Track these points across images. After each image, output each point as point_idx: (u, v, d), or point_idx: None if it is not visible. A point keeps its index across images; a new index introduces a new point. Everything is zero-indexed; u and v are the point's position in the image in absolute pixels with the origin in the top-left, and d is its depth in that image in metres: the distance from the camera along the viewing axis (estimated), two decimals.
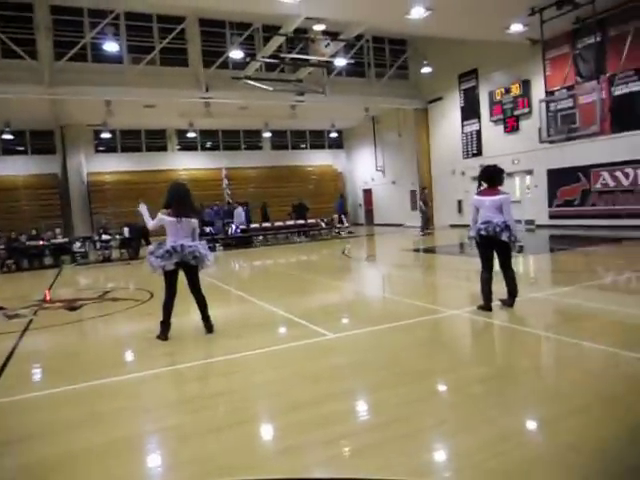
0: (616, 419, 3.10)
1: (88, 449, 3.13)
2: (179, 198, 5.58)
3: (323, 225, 21.60)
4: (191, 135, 24.50)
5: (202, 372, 4.69)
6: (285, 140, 27.60)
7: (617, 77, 14.96)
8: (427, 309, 6.50)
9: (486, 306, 5.85)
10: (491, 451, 2.75)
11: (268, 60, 18.03)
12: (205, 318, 5.70)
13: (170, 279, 5.48)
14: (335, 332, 5.50)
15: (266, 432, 3.37)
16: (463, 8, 14.22)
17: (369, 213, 28.15)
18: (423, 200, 20.25)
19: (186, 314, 6.28)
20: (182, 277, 5.64)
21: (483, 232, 5.69)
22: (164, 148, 24.94)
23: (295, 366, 4.53)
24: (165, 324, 5.53)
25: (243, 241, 19.18)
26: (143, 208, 5.74)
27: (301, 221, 21.08)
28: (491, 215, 5.69)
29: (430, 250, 14.89)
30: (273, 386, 4.07)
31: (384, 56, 22.82)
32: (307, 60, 17.90)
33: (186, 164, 24.79)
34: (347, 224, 22.92)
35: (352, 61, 20.93)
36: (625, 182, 15.24)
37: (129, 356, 5.42)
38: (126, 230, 16.33)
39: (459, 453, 2.82)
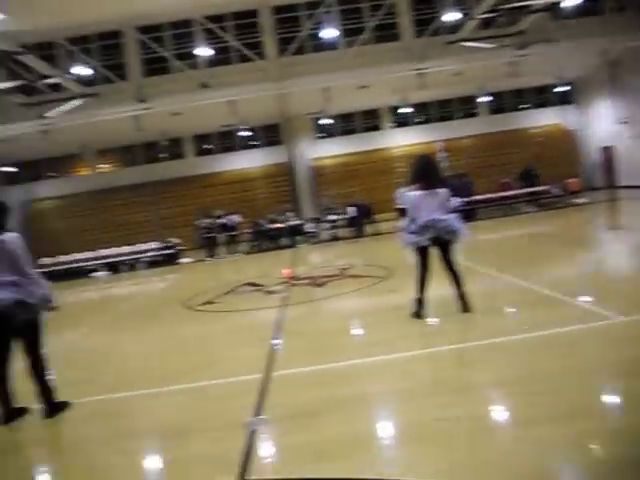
0: None
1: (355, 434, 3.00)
2: (426, 170, 5.29)
3: (555, 192, 19.29)
4: (404, 110, 24.23)
5: (465, 357, 4.28)
6: (503, 103, 25.39)
7: None
8: None
9: None
10: None
11: (485, 16, 16.62)
12: (461, 296, 5.28)
13: (423, 255, 5.21)
14: (621, 314, 4.53)
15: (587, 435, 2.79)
16: None
17: (610, 175, 24.28)
18: None
19: (439, 291, 5.94)
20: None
21: None
22: (377, 127, 25.24)
23: (578, 357, 3.80)
24: (420, 302, 5.29)
25: (465, 215, 18.25)
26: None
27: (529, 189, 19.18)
28: None
29: None
30: (554, 381, 3.40)
31: None
32: (529, 7, 15.96)
33: (400, 141, 24.67)
34: None
35: None
36: None
37: (383, 335, 5.26)
38: (351, 209, 16.91)
39: None
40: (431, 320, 5.26)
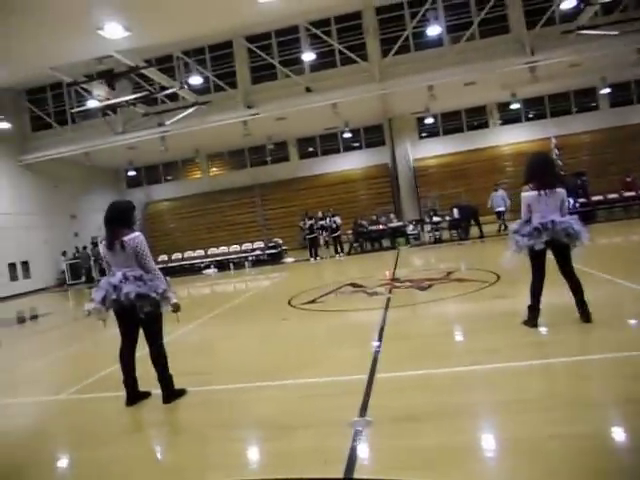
0: None
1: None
2: (541, 168, 4.93)
3: None
4: (514, 106, 23.03)
5: (584, 370, 3.92)
6: (629, 94, 23.20)
7: None
8: None
9: None
10: None
11: (606, 0, 15.29)
12: (580, 304, 4.88)
13: (538, 259, 4.88)
14: None
15: None
16: None
17: None
18: None
19: (554, 298, 5.56)
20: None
21: None
22: (484, 125, 24.24)
23: None
24: (534, 309, 4.96)
25: (583, 216, 16.89)
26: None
27: None
28: None
29: None
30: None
31: None
32: None
33: (509, 138, 23.52)
34: None
35: None
36: None
37: (493, 342, 4.97)
38: (455, 211, 16.40)
39: None
40: (545, 329, 4.92)
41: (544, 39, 16.92)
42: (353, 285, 9.39)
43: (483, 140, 23.74)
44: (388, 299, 7.67)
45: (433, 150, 24.11)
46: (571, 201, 17.02)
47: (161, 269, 4.50)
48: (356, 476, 2.69)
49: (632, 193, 17.75)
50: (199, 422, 3.82)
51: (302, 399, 4.01)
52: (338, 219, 16.87)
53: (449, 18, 18.45)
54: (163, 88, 18.02)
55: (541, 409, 3.26)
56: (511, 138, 23.41)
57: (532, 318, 4.95)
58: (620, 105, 23.11)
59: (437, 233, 16.82)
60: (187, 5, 14.21)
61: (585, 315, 4.83)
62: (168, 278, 4.33)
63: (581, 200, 17.15)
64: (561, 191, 4.83)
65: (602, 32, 15.69)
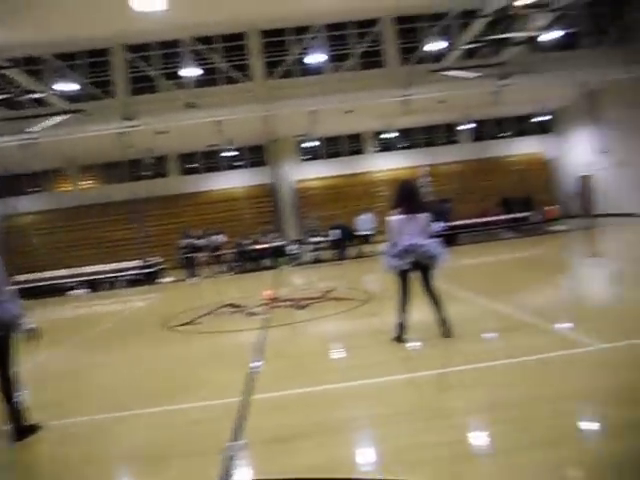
0: None
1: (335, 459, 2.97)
2: (407, 195, 5.38)
3: (537, 219, 19.69)
4: (388, 135, 24.62)
5: (446, 382, 4.26)
6: (485, 130, 25.97)
7: None
8: None
9: None
10: None
11: (468, 46, 17.10)
12: (442, 321, 5.33)
13: (404, 279, 5.28)
14: (601, 342, 4.60)
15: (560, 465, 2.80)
16: None
17: (587, 203, 24.81)
18: None
19: (420, 315, 5.97)
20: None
21: None
22: (361, 151, 25.56)
23: (561, 384, 3.82)
24: (401, 326, 5.32)
25: (448, 239, 18.44)
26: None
27: (509, 215, 19.55)
28: None
29: None
30: (539, 408, 3.42)
31: (600, 21, 19.83)
32: (511, 39, 16.46)
33: (383, 165, 25.00)
34: None
35: (562, 32, 18.63)
36: None
37: (365, 359, 5.22)
38: (335, 232, 16.96)
39: None
40: (412, 345, 5.27)
41: (416, 75, 18.36)
42: (232, 305, 9.27)
43: (360, 165, 25.00)
44: (267, 319, 7.69)
45: (314, 172, 24.82)
46: (440, 225, 18.54)
47: (22, 290, 4.09)
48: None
49: (487, 218, 19.76)
50: (54, 460, 3.50)
51: (176, 427, 3.86)
52: (221, 237, 16.61)
53: (331, 48, 19.30)
54: (28, 92, 16.53)
55: (407, 420, 3.47)
56: (385, 165, 24.92)
57: (400, 334, 5.29)
58: (478, 140, 25.79)
59: (317, 253, 17.26)
60: (60, 5, 13.30)
61: (446, 331, 5.27)
62: (21, 301, 3.93)
63: (447, 224, 18.70)
64: (424, 216, 5.28)
65: (464, 74, 17.45)
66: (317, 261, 17.03)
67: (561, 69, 18.84)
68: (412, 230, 5.19)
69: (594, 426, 3.26)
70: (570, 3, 16.76)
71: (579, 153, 25.03)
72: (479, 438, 3.25)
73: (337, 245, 17.02)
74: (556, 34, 16.50)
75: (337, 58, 19.23)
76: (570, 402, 3.49)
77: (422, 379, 4.37)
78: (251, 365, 5.20)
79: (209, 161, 25.00)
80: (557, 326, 5.46)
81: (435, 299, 5.32)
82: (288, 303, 8.96)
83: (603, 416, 3.26)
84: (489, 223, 19.55)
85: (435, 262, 5.22)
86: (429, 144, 25.42)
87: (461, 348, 5.04)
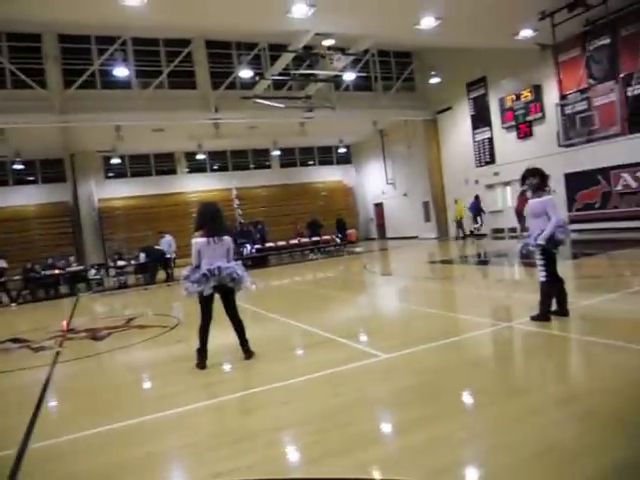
0: None
1: None
2: (210, 217, 5.27)
3: (338, 241, 21.35)
4: (200, 157, 24.43)
5: (249, 404, 4.32)
6: (294, 158, 27.51)
7: (635, 77, 14.70)
8: (478, 323, 6.18)
9: (545, 316, 5.53)
10: None
11: (277, 78, 18.02)
12: (243, 343, 5.41)
13: (206, 304, 5.21)
14: (387, 352, 5.17)
15: (357, 468, 3.00)
16: (472, 16, 14.11)
17: (381, 227, 27.88)
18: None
19: (222, 339, 5.98)
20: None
21: (562, 236, 5.39)
22: (173, 171, 24.87)
23: (355, 392, 4.19)
24: (202, 352, 5.24)
25: (258, 261, 18.93)
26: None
27: (316, 238, 20.88)
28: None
29: (452, 261, 14.57)
30: (333, 418, 3.69)
31: (390, 69, 22.77)
32: (316, 76, 17.85)
33: (195, 186, 24.67)
34: (478, 225, 20.31)
35: (360, 75, 20.87)
36: None
37: (167, 389, 5.02)
38: (142, 255, 16.09)
39: None
40: (215, 369, 5.23)
41: (227, 100, 18.65)
42: (16, 340, 8.12)
43: (172, 186, 24.30)
44: (57, 353, 6.90)
45: (120, 191, 23.32)
46: (248, 247, 18.91)
47: None
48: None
49: (295, 241, 20.84)
50: None
51: None
52: (2, 262, 14.45)
53: (139, 63, 18.50)
54: None
55: (212, 447, 3.41)
56: (197, 186, 24.64)
57: (201, 360, 5.21)
58: (287, 166, 27.18)
59: (122, 278, 16.14)
60: None
61: (247, 352, 5.38)
62: None
63: (257, 246, 19.18)
64: (227, 239, 5.30)
65: (271, 103, 18.29)
66: (122, 286, 15.91)
67: (358, 108, 21.00)
68: (214, 253, 5.16)
69: (394, 426, 3.59)
70: (365, 50, 18.90)
71: (373, 183, 28.04)
72: (288, 453, 3.34)
73: (144, 269, 16.15)
74: (352, 76, 18.37)
75: (146, 74, 18.48)
76: (365, 408, 3.81)
77: (225, 403, 4.36)
78: (32, 410, 4.59)
79: None
80: (352, 341, 5.94)
81: (237, 323, 5.38)
82: (84, 334, 8.17)
83: (394, 417, 3.64)
84: (297, 245, 20.58)
85: (238, 285, 5.25)
86: (240, 167, 25.90)
87: (264, 368, 5.17)
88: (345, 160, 29.01)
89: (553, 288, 5.52)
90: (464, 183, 21.71)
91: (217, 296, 5.30)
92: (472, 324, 6.15)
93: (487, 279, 10.58)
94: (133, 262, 16.52)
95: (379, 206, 27.64)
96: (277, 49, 18.14)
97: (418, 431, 3.25)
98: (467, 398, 3.82)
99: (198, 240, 5.18)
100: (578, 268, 10.81)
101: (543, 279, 5.53)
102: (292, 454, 3.33)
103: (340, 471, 2.88)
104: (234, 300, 5.37)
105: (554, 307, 5.67)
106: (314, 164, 28.14)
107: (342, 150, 28.04)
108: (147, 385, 5.32)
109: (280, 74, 17.74)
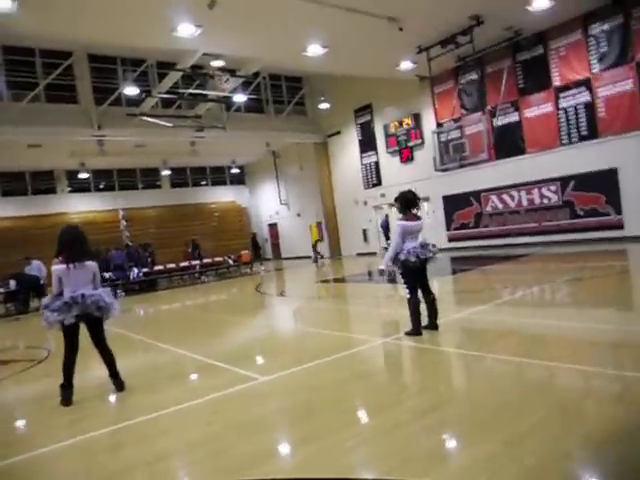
0: (575, 435, 3.11)
1: None
2: (70, 242, 4.92)
3: (231, 262, 21.09)
4: (83, 176, 23.00)
5: (120, 439, 4.08)
6: (185, 177, 26.90)
7: (498, 109, 16.35)
8: (355, 340, 6.40)
9: (417, 331, 5.86)
10: None
11: (165, 96, 17.59)
12: (113, 375, 5.10)
13: (70, 334, 4.83)
14: (266, 374, 5.17)
15: None
16: (356, 47, 14.89)
17: (276, 247, 28.03)
18: None
19: (90, 371, 5.62)
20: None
21: (422, 256, 5.74)
22: (53, 190, 23.15)
23: (229, 418, 4.11)
24: (67, 387, 4.85)
25: (147, 285, 18.11)
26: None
27: (205, 260, 20.50)
28: (416, 238, 5.83)
29: (342, 280, 14.99)
30: (208, 445, 3.62)
31: (281, 92, 23.22)
32: (205, 96, 17.69)
33: (79, 207, 23.18)
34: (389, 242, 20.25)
35: (251, 97, 21.01)
36: (512, 204, 16.55)
37: (24, 431, 4.63)
38: (12, 282, 14.68)
39: None
40: (84, 405, 4.88)
41: (111, 117, 17.79)
42: None
43: (51, 206, 22.59)
44: None
45: None
46: (135, 271, 18.05)
47: None
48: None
49: (186, 263, 20.28)
50: None
51: None
52: None
53: (11, 74, 17.09)
54: None
55: None
56: (81, 206, 23.19)
57: (66, 396, 4.82)
58: (179, 186, 26.50)
59: None
60: None
61: (118, 384, 5.10)
62: None
63: (145, 270, 18.36)
64: (92, 264, 5.00)
65: (159, 122, 17.78)
66: None
67: (250, 129, 21.12)
68: (77, 280, 4.84)
69: (270, 446, 3.54)
70: (256, 73, 19.09)
71: (267, 203, 28.21)
72: None
73: (15, 297, 14.73)
74: (242, 97, 18.48)
75: (19, 86, 17.12)
76: (236, 433, 3.75)
77: (92, 440, 4.07)
78: None
79: None
80: (233, 366, 5.83)
81: (106, 353, 5.08)
82: None
83: (283, 435, 3.61)
84: (188, 267, 20.02)
85: (106, 313, 4.96)
86: (128, 187, 24.80)
87: (136, 400, 4.91)
88: (238, 180, 28.92)
89: (418, 303, 5.88)
90: (354, 204, 22.57)
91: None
92: (351, 341, 6.36)
93: (372, 296, 11.00)
94: (2, 290, 15.00)
95: (274, 226, 27.81)
96: (165, 67, 17.74)
97: (280, 459, 3.28)
98: (339, 415, 3.91)
99: (57, 267, 4.84)
100: (455, 283, 11.64)
101: (407, 296, 5.90)
102: None
103: None
104: (102, 330, 5.06)
105: (426, 322, 6.04)
106: (206, 184, 27.72)
107: (235, 170, 27.94)
108: (1, 427, 4.81)
109: (168, 92, 17.35)
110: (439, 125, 17.67)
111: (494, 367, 4.74)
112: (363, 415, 3.84)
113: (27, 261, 15.36)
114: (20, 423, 4.83)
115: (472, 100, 17.24)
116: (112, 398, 5.02)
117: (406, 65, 16.81)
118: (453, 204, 18.33)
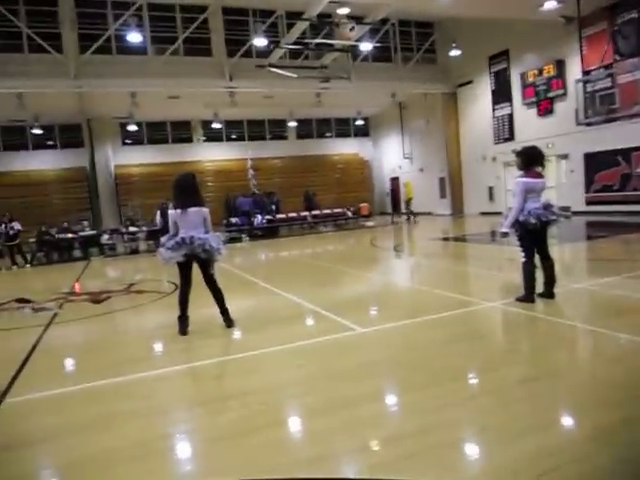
0: None
1: (94, 456, 2.93)
2: (182, 189, 5.35)
3: (349, 214, 21.29)
4: (216, 126, 24.37)
5: (220, 370, 4.44)
6: (310, 129, 27.26)
7: None
8: (461, 301, 6.14)
9: (528, 298, 5.47)
10: (537, 469, 2.44)
11: (292, 47, 17.76)
12: (223, 312, 5.52)
13: (183, 271, 5.32)
14: (364, 326, 5.20)
15: (293, 438, 3.11)
16: None
17: (396, 202, 27.62)
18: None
19: (206, 308, 6.08)
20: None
21: (543, 218, 5.30)
22: (190, 139, 24.93)
23: (321, 364, 4.25)
24: (182, 318, 5.37)
25: (269, 231, 19.04)
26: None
27: (325, 211, 20.94)
28: (538, 198, 5.38)
29: (461, 239, 14.42)
30: (298, 386, 3.81)
31: (411, 40, 22.21)
32: (332, 45, 17.53)
33: (211, 155, 24.73)
34: None
35: (378, 45, 20.42)
36: None
37: (146, 352, 5.19)
38: (158, 217, 16.14)
39: (501, 467, 2.51)
40: (197, 336, 5.35)
41: (242, 69, 18.48)
42: (20, 300, 8.39)
43: (187, 154, 24.35)
44: (54, 315, 7.12)
45: (137, 158, 23.52)
46: (259, 217, 19.01)
47: None
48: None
49: (307, 213, 20.87)
50: None
51: None
52: (17, 225, 14.77)
53: (154, 29, 18.41)
54: None
55: (182, 409, 3.54)
56: (213, 155, 24.69)
57: (182, 327, 5.33)
58: (304, 138, 26.95)
59: (134, 243, 16.42)
60: None
61: (228, 321, 5.49)
62: None
63: (268, 217, 19.26)
64: (202, 209, 5.35)
65: (286, 73, 18.05)
66: (134, 252, 16.21)
67: (376, 79, 20.60)
68: (188, 223, 5.23)
69: (354, 397, 3.64)
70: (385, 20, 18.41)
71: (390, 157, 27.66)
72: (232, 422, 3.42)
73: (155, 235, 16.36)
74: (369, 46, 17.96)
75: (161, 40, 18.40)
76: (322, 380, 3.87)
77: (201, 368, 4.48)
78: (20, 365, 4.78)
79: (12, 139, 22.12)
80: (334, 315, 5.96)
81: (216, 292, 5.46)
82: (84, 297, 8.40)
83: (346, 390, 3.69)
84: (306, 217, 20.61)
85: (211, 256, 5.29)
86: (256, 137, 25.79)
87: (243, 337, 5.29)
88: (362, 132, 28.64)
89: (534, 269, 5.44)
90: (482, 159, 21.31)
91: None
92: (458, 302, 6.12)
93: (489, 257, 10.44)
94: (145, 228, 16.74)
95: (395, 180, 27.34)
96: (293, 17, 17.79)
97: (361, 407, 3.29)
98: (422, 376, 3.82)
99: (172, 211, 5.34)
100: (587, 250, 10.62)
101: (523, 259, 5.48)
102: (242, 422, 3.41)
103: (273, 435, 2.96)
104: (211, 270, 5.43)
105: (541, 289, 5.61)
106: (331, 136, 27.87)
107: (359, 122, 27.67)
108: (129, 348, 5.45)
109: (296, 43, 17.46)
110: (585, 73, 15.72)
111: (608, 344, 4.27)
112: (446, 378, 3.70)
113: (164, 205, 16.78)
114: (147, 344, 5.42)
115: (629, 44, 15.00)
116: (221, 333, 5.42)
117: (550, 5, 15.02)
118: (595, 163, 16.45)
